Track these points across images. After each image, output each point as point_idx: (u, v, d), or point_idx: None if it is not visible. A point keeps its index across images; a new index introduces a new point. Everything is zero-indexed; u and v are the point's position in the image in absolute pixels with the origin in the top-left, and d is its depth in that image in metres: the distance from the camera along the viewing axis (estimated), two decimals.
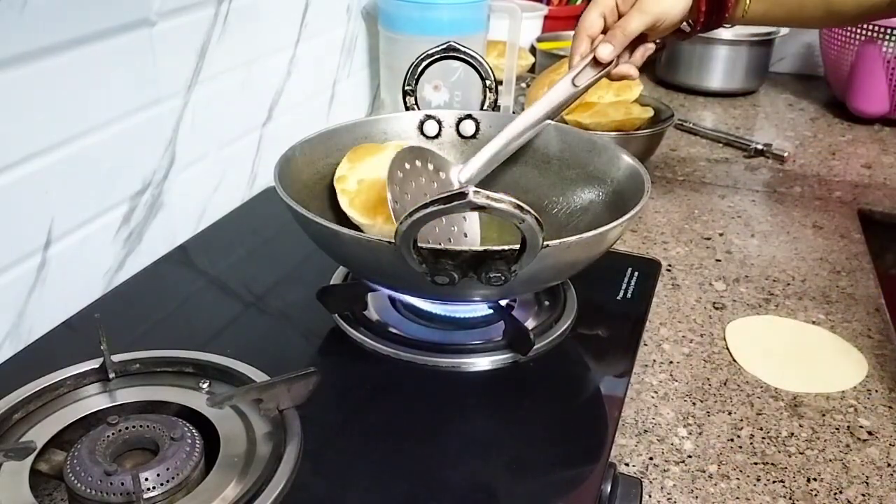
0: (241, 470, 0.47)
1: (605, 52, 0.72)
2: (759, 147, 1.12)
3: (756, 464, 0.58)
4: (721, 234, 0.91)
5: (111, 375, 0.54)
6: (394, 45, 1.03)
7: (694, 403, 0.64)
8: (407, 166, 0.63)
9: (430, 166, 0.66)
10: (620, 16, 0.74)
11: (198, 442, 0.47)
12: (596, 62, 0.72)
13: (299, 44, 0.92)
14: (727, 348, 0.71)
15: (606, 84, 1.09)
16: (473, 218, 0.66)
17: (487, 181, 0.70)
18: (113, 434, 0.47)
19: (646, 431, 0.61)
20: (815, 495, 0.56)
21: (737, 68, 1.36)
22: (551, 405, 0.57)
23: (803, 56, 1.50)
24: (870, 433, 0.61)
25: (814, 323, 0.75)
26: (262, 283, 0.70)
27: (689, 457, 0.58)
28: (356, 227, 0.64)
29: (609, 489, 0.50)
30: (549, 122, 0.72)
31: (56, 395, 0.53)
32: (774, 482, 0.56)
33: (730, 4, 0.75)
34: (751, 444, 0.60)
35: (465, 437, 0.53)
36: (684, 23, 0.77)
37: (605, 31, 0.75)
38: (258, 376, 0.54)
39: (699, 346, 0.71)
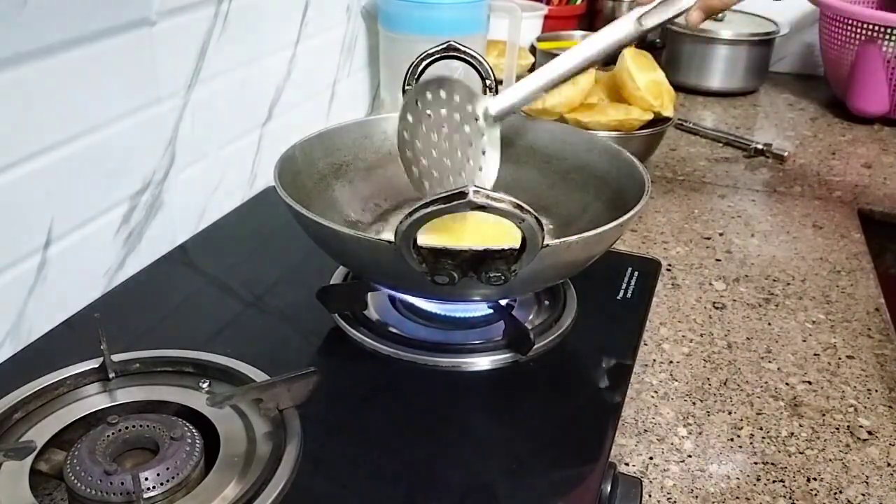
0: (241, 470, 0.47)
1: (696, 18, 0.66)
2: (759, 147, 1.12)
3: (756, 464, 0.58)
4: (721, 234, 0.91)
5: (111, 375, 0.54)
6: (394, 44, 1.03)
7: (694, 403, 0.64)
8: (429, 96, 0.61)
9: (456, 98, 0.62)
10: None
11: (198, 442, 0.47)
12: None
13: (299, 44, 0.92)
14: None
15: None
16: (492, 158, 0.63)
17: None
18: (113, 434, 0.47)
19: (646, 431, 0.61)
20: (815, 495, 0.56)
21: (737, 68, 1.36)
22: (551, 405, 0.57)
23: (803, 56, 1.50)
24: (870, 433, 0.61)
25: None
26: (262, 283, 0.70)
27: (689, 457, 0.58)
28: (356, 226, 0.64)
29: (609, 489, 0.50)
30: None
31: (56, 395, 0.53)
32: (774, 482, 0.56)
33: None
34: (751, 444, 0.60)
35: (465, 437, 0.53)
36: None
37: None
38: (258, 376, 0.54)
39: (699, 346, 0.71)
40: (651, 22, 0.64)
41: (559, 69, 0.64)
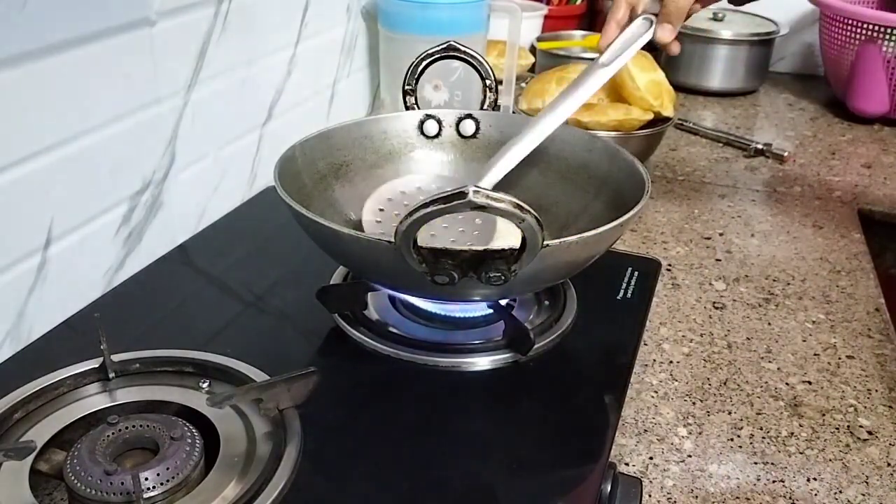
0: (241, 470, 0.47)
1: (664, 33, 0.66)
2: (759, 147, 1.12)
3: (756, 464, 0.58)
4: (721, 234, 0.91)
5: (111, 375, 0.54)
6: (394, 45, 1.03)
7: (694, 403, 0.64)
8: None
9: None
10: None
11: (198, 442, 0.47)
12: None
13: (299, 44, 0.92)
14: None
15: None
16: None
17: None
18: (113, 434, 0.47)
19: (646, 431, 0.61)
20: (815, 495, 0.56)
21: (737, 68, 1.36)
22: (551, 405, 0.57)
23: (803, 56, 1.50)
24: (870, 433, 0.61)
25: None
26: (262, 283, 0.70)
27: (689, 457, 0.58)
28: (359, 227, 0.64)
29: (609, 489, 0.50)
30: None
31: (56, 395, 0.53)
32: (774, 482, 0.56)
33: None
34: (751, 443, 0.60)
35: (465, 437, 0.53)
36: None
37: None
38: (258, 376, 0.54)
39: (699, 345, 0.71)
40: (617, 63, 0.66)
41: (542, 134, 0.66)
